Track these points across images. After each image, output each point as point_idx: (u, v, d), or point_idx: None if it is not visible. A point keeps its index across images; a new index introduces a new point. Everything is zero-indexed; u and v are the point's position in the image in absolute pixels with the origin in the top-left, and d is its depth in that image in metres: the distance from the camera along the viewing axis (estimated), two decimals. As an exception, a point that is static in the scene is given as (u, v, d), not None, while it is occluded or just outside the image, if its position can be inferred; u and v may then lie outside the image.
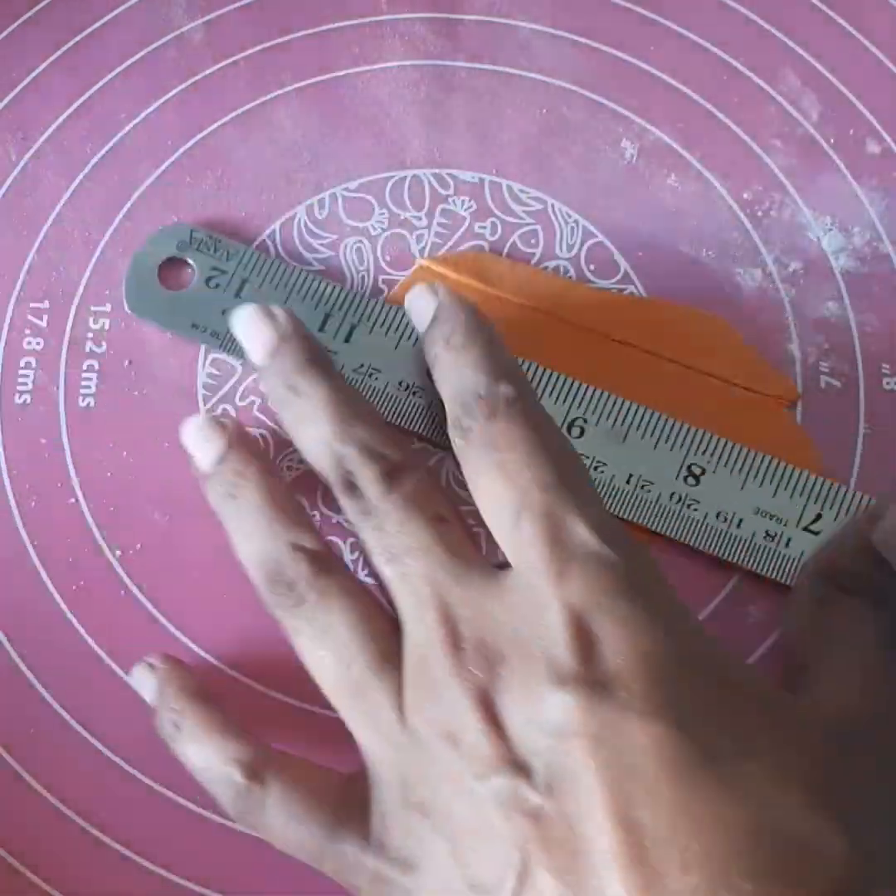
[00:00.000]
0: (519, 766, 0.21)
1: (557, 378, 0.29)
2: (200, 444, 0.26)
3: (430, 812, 0.22)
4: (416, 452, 0.26)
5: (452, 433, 0.25)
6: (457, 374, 0.25)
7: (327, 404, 0.25)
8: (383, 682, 0.23)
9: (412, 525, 0.24)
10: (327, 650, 0.23)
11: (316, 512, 0.28)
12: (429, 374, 0.27)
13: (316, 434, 0.25)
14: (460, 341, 0.25)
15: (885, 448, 0.29)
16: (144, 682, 0.26)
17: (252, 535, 0.25)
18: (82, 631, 0.28)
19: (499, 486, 0.23)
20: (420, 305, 0.27)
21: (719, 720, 0.21)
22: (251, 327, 0.27)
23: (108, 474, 0.29)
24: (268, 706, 0.27)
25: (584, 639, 0.21)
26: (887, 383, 0.30)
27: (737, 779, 0.20)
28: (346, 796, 0.24)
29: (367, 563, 0.24)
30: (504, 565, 0.23)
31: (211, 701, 0.26)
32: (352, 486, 0.24)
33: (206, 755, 0.24)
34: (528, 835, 0.20)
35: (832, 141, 0.32)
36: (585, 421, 0.28)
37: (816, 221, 0.31)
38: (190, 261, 0.30)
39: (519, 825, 0.20)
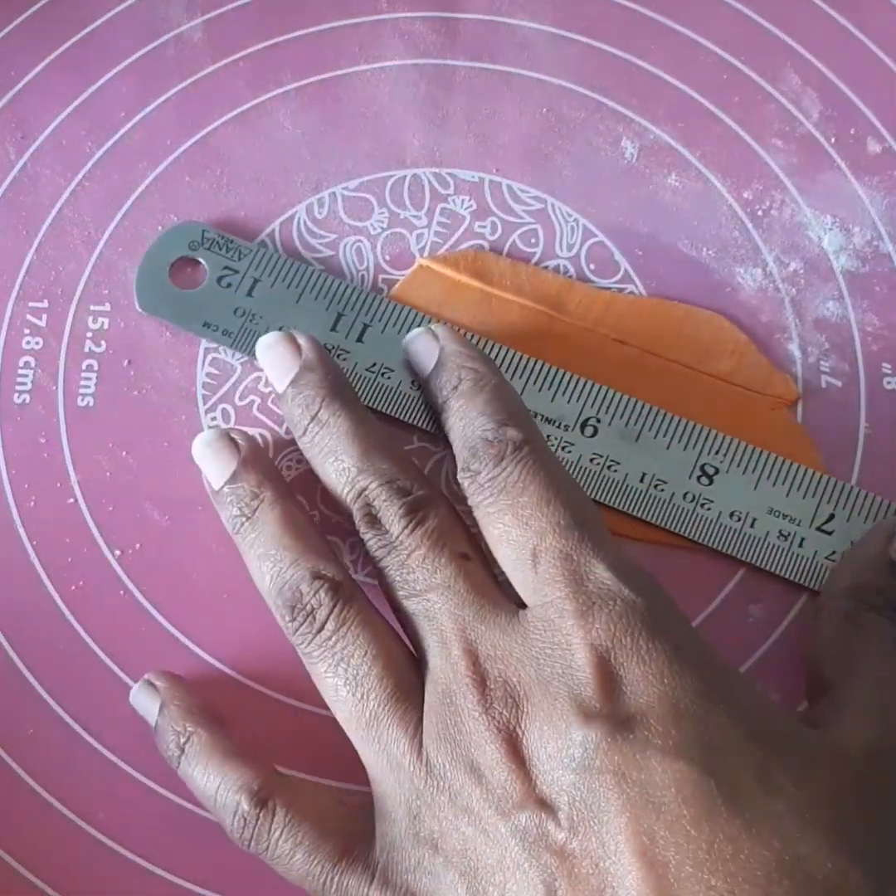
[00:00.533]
0: (544, 803, 0.21)
1: (571, 377, 0.29)
2: (211, 460, 0.27)
3: (443, 847, 0.22)
4: (436, 487, 0.26)
5: (461, 476, 0.25)
6: (465, 421, 0.25)
7: (350, 436, 0.25)
8: (401, 715, 0.23)
9: (436, 562, 0.24)
10: (345, 680, 0.23)
11: (316, 512, 0.28)
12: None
13: (338, 465, 0.25)
14: (469, 388, 0.26)
15: (886, 447, 0.29)
16: (146, 701, 0.26)
17: (269, 559, 0.25)
18: (81, 631, 0.27)
19: (514, 530, 0.23)
20: (420, 349, 0.27)
21: (742, 757, 0.21)
22: (275, 354, 0.27)
23: (108, 474, 0.29)
24: (267, 707, 0.27)
25: (607, 678, 0.21)
26: (888, 383, 0.30)
27: (760, 816, 0.20)
28: (352, 827, 0.24)
29: (388, 597, 0.24)
30: (519, 603, 0.24)
31: (216, 721, 0.26)
32: (374, 520, 0.24)
33: (213, 780, 0.24)
34: (555, 871, 0.21)
35: (833, 140, 0.32)
36: (599, 420, 0.28)
37: (817, 221, 0.31)
38: (201, 260, 0.30)
39: (545, 861, 0.21)
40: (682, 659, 0.22)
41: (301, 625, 0.24)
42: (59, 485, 0.28)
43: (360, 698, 0.23)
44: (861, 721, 0.23)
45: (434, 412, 0.27)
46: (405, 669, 0.24)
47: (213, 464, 0.26)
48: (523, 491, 0.24)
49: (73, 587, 0.28)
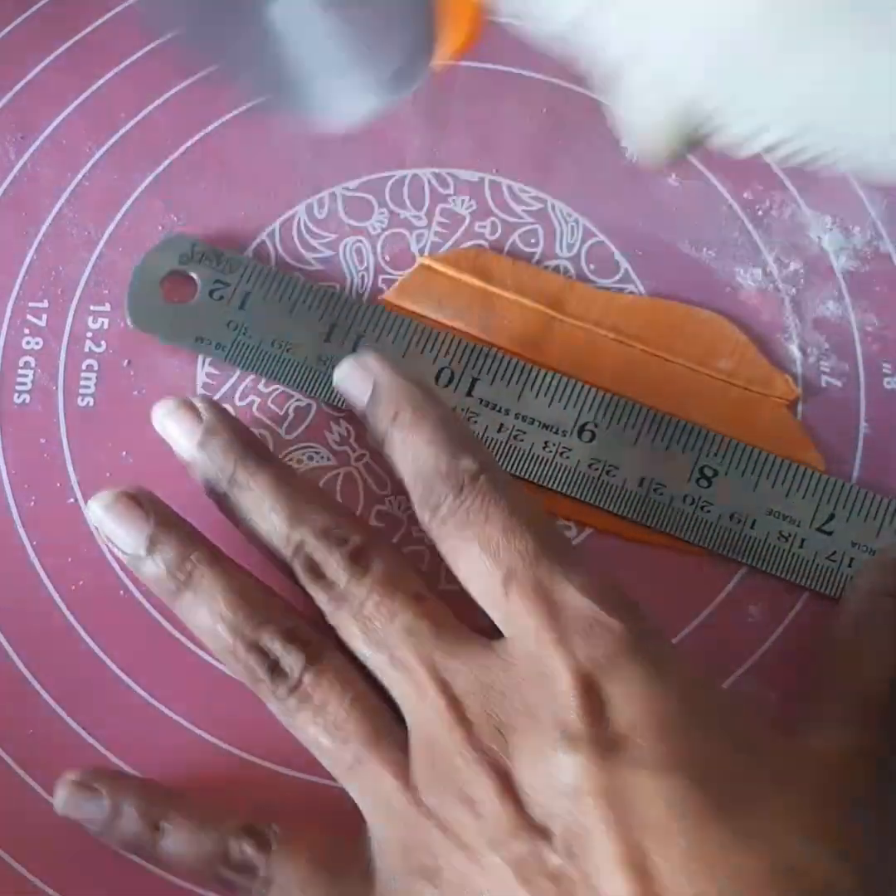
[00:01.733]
0: (538, 830, 0.21)
1: (568, 383, 0.28)
2: (120, 525, 0.25)
3: (438, 881, 0.22)
4: (374, 529, 0.25)
5: (420, 511, 0.24)
6: (413, 453, 0.24)
7: (274, 493, 0.25)
8: (383, 754, 0.23)
9: (391, 608, 0.23)
10: (323, 728, 0.23)
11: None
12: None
13: (268, 525, 0.24)
14: (409, 418, 0.25)
15: (886, 447, 0.29)
16: (86, 803, 0.25)
17: (226, 623, 0.24)
18: (81, 631, 0.27)
19: (482, 562, 0.23)
20: (352, 382, 0.26)
21: (727, 767, 0.21)
22: (173, 421, 0.26)
23: (108, 474, 0.29)
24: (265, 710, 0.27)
25: (592, 702, 0.21)
26: (888, 383, 0.30)
27: (747, 823, 0.20)
28: (346, 862, 0.24)
29: (350, 648, 0.24)
30: (483, 630, 0.24)
31: (176, 795, 0.25)
32: (318, 574, 0.24)
33: (208, 844, 0.24)
34: None
35: (833, 140, 0.32)
36: (596, 425, 0.28)
37: (817, 221, 0.31)
38: (192, 274, 0.30)
39: (542, 888, 0.21)
40: (662, 674, 0.22)
41: (280, 686, 0.24)
42: (59, 485, 0.28)
43: (342, 742, 0.23)
44: (840, 728, 0.23)
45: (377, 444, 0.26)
46: (382, 709, 0.24)
47: (124, 530, 0.25)
48: (487, 520, 0.23)
49: (73, 587, 0.28)
